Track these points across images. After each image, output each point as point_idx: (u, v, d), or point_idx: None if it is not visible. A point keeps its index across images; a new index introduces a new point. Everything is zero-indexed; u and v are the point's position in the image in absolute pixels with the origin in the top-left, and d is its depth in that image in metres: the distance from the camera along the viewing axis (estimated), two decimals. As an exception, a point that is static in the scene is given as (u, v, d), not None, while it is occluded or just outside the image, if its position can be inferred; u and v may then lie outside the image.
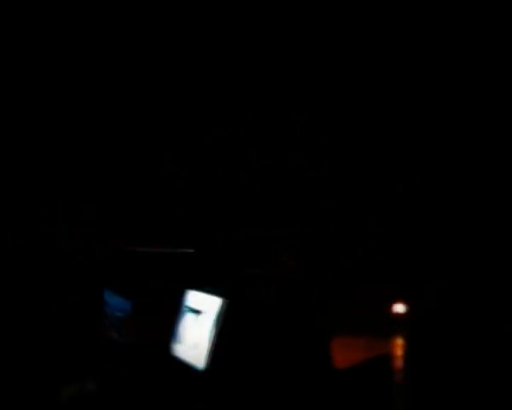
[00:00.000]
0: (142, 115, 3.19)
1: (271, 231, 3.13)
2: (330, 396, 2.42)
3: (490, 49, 2.61)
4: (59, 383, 2.71)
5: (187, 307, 2.90)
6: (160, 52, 2.99)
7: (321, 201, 3.05)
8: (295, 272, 2.95)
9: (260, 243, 3.13)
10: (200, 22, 2.88)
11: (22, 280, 3.06)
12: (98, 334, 3.04)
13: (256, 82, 2.99)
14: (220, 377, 2.49)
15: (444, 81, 2.75)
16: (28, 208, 3.24)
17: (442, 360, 2.31)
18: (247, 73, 2.98)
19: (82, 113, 3.19)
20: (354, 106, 2.95)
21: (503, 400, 2.15)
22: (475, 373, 2.22)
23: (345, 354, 2.49)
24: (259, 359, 2.51)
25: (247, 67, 2.96)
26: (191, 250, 3.20)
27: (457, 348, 2.31)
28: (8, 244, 3.13)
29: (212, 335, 2.56)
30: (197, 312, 2.79)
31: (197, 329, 2.72)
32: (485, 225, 2.69)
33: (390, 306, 2.46)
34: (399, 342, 2.40)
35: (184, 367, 2.67)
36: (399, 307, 2.46)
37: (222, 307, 2.60)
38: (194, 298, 2.89)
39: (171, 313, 2.93)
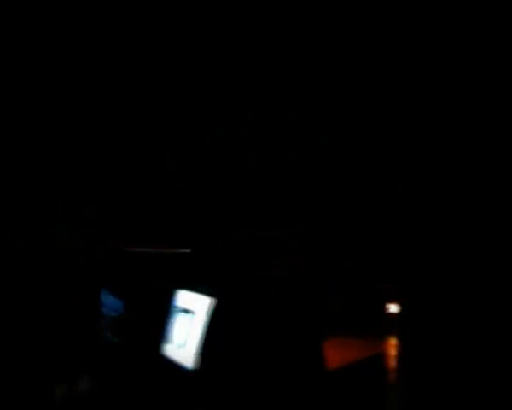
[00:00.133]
0: (142, 115, 3.19)
1: (271, 231, 3.13)
2: (323, 396, 2.41)
3: (490, 49, 2.61)
4: (52, 382, 2.71)
5: (178, 307, 2.90)
6: (159, 52, 2.99)
7: (321, 201, 3.05)
8: (295, 272, 2.95)
9: (260, 243, 3.12)
10: (199, 22, 2.88)
11: (22, 280, 3.06)
12: (95, 334, 3.04)
13: (256, 82, 2.98)
14: (210, 376, 2.48)
15: (443, 81, 2.75)
16: (28, 208, 3.24)
17: (436, 360, 2.30)
18: (247, 73, 2.98)
19: (82, 113, 3.19)
20: (354, 106, 2.95)
21: (499, 399, 2.14)
22: (469, 373, 2.22)
23: (338, 353, 2.48)
24: (250, 358, 2.50)
25: (247, 67, 2.96)
26: (187, 250, 3.20)
27: (451, 347, 2.31)
28: (8, 244, 3.14)
29: (202, 334, 2.55)
30: (188, 311, 2.78)
31: (187, 328, 2.72)
32: (485, 225, 2.69)
33: (384, 306, 2.46)
34: (393, 341, 2.40)
35: (174, 367, 2.67)
36: (393, 307, 2.46)
37: (212, 306, 2.59)
38: (185, 298, 2.89)
39: (162, 313, 2.93)
